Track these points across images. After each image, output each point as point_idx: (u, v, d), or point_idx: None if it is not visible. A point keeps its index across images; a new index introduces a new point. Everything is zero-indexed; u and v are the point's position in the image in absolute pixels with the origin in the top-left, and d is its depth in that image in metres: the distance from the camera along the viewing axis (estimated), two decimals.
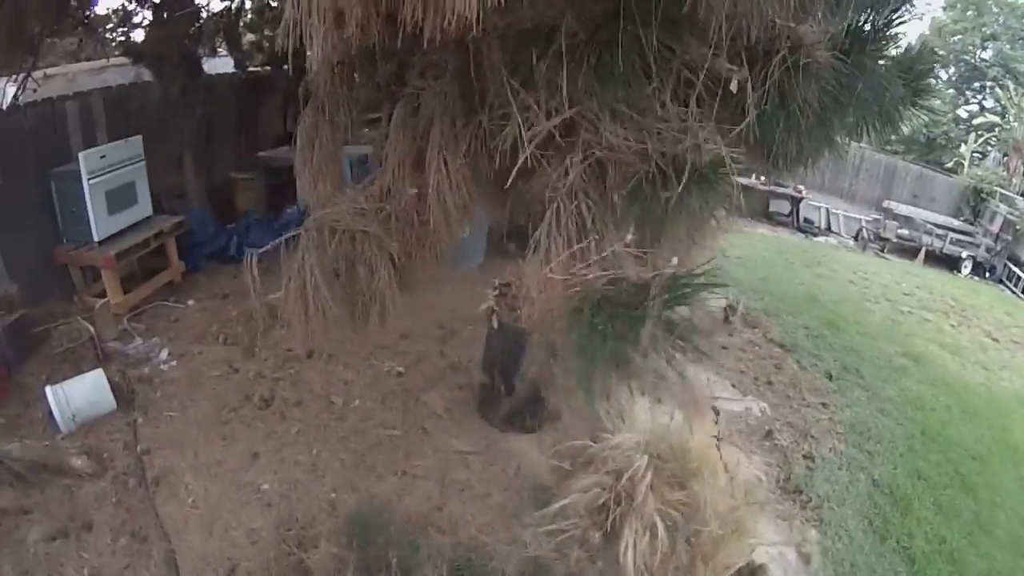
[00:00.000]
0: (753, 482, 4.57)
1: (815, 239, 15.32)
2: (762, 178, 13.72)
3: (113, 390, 4.85)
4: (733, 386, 6.12)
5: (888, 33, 2.84)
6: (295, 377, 5.31)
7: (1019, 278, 15.22)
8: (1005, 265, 15.78)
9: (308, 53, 2.58)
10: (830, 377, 6.73)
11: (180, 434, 4.74)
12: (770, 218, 15.01)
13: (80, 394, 4.69)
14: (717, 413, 5.48)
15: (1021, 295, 14.73)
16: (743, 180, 14.34)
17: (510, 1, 2.07)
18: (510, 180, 2.72)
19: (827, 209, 16.79)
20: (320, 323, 2.95)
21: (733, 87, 2.58)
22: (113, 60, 7.21)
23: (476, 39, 2.60)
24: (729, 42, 2.44)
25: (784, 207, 15.34)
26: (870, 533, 4.90)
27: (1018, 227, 15.71)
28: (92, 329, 5.51)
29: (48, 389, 4.61)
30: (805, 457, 5.39)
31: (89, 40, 7.07)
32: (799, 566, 4.40)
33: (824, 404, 6.20)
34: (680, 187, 2.44)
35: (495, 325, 4.61)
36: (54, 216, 5.95)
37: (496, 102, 2.78)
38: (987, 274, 15.77)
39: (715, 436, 4.83)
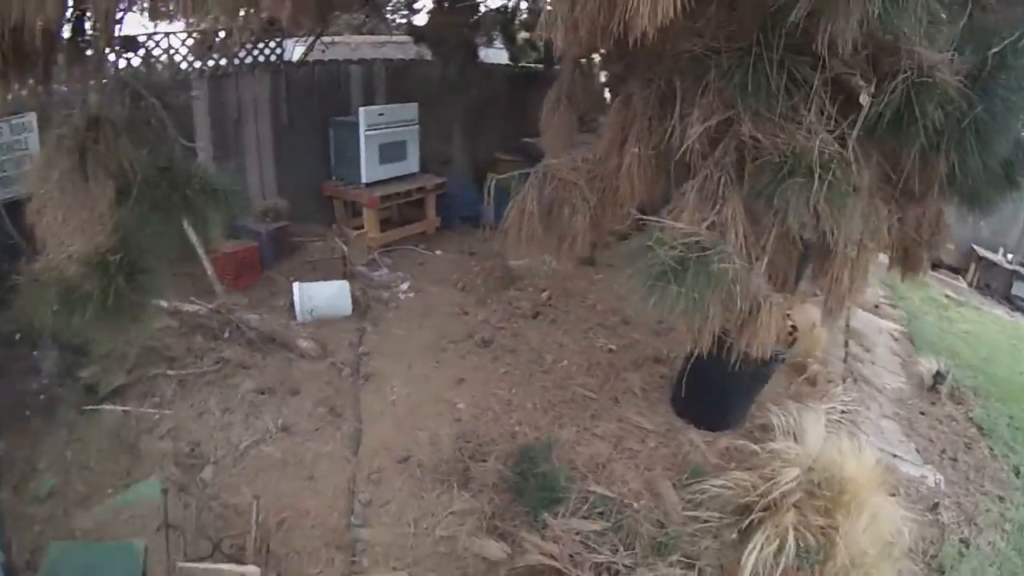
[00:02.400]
0: (899, 544, 4.02)
1: None
2: (1009, 256, 12.02)
3: (352, 302, 5.34)
4: (917, 451, 5.52)
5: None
6: (516, 330, 5.51)
7: None
8: None
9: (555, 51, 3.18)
10: (1017, 473, 5.73)
11: (400, 348, 5.10)
12: (1010, 301, 12.81)
13: (322, 295, 5.23)
14: None
15: None
16: (988, 255, 12.34)
17: (687, 31, 3.01)
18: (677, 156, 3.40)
19: None
20: (528, 241, 3.85)
21: (863, 100, 2.98)
22: (395, 37, 8.07)
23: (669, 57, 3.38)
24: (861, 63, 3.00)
25: None
26: None
27: None
28: (345, 249, 6.08)
29: (295, 284, 5.20)
30: (961, 541, 4.75)
31: (374, 17, 7.97)
32: None
33: (1001, 498, 5.36)
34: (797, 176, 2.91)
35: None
36: (327, 157, 6.77)
37: (678, 107, 3.45)
38: None
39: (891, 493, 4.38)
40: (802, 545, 3.51)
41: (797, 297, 4.27)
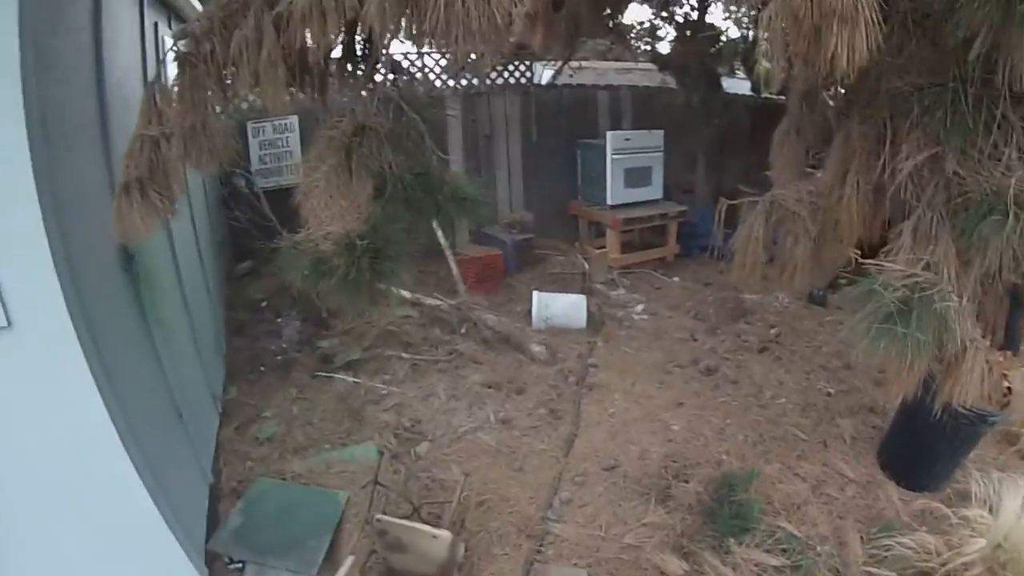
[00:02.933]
0: None
1: None
2: None
3: (587, 316, 5.55)
4: None
5: None
6: (741, 362, 5.45)
7: None
8: None
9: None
10: None
11: (626, 364, 5.21)
12: None
13: (559, 305, 5.48)
14: None
15: None
16: None
17: (895, 67, 3.05)
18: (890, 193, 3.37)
19: None
20: (752, 268, 3.94)
21: None
22: (640, 64, 8.29)
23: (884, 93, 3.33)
24: None
25: None
26: None
27: None
28: (587, 266, 6.31)
29: (535, 292, 5.50)
30: None
31: (619, 44, 8.23)
32: None
33: None
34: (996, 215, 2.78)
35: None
36: (573, 176, 7.07)
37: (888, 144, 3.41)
38: None
39: None
40: None
41: (1018, 359, 3.90)
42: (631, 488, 4.08)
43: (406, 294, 5.19)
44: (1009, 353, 3.83)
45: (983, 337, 3.61)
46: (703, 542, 3.75)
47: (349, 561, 3.13)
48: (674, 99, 7.75)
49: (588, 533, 3.79)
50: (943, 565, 3.42)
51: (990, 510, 3.69)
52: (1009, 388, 3.93)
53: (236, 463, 3.89)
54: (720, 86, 7.84)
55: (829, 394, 5.22)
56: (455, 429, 4.29)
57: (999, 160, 2.89)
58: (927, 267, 2.96)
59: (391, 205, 3.04)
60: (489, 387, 4.67)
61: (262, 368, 4.58)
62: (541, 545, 3.68)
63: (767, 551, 3.71)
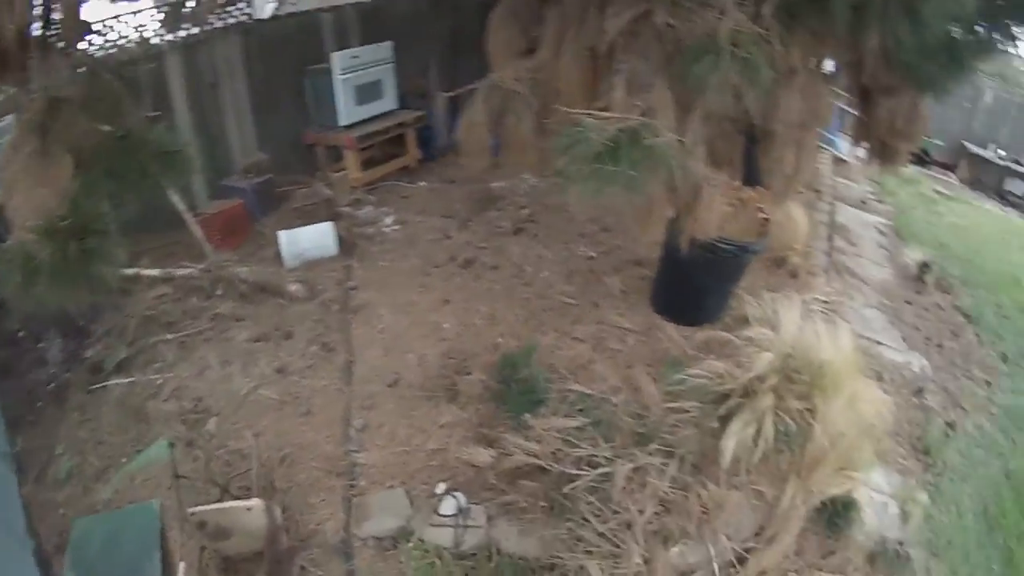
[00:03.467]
0: (881, 425, 4.16)
1: None
2: (1000, 152, 11.88)
3: (338, 241, 5.53)
4: (903, 338, 5.51)
5: None
6: (498, 248, 5.63)
7: None
8: None
9: None
10: (1005, 359, 5.76)
11: (386, 279, 5.28)
12: (1002, 196, 12.50)
13: (308, 238, 5.40)
14: None
15: None
16: (978, 151, 11.84)
17: None
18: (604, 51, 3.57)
19: None
20: (479, 152, 4.27)
21: None
22: None
23: None
24: None
25: (1019, 187, 12.62)
26: (981, 519, 4.41)
27: None
28: (329, 192, 6.26)
29: (281, 232, 5.37)
30: (947, 424, 4.84)
31: None
32: (896, 521, 4.03)
33: (988, 382, 5.43)
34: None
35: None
36: (305, 106, 6.82)
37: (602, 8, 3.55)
38: None
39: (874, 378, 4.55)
40: (780, 428, 3.65)
41: (769, 190, 4.30)
42: (419, 396, 4.24)
43: (154, 272, 4.95)
44: (759, 187, 4.22)
45: (725, 176, 3.92)
46: (501, 425, 3.97)
47: (182, 568, 3.08)
48: (402, 8, 7.62)
49: (392, 452, 3.92)
50: (740, 384, 3.78)
51: (771, 328, 4.13)
52: (766, 219, 4.36)
53: (49, 515, 3.68)
54: None
55: (591, 258, 5.54)
56: (236, 394, 4.24)
57: (712, 7, 3.02)
58: (644, 114, 3.13)
59: (90, 176, 2.83)
60: (257, 341, 4.61)
61: (39, 404, 4.27)
62: (352, 480, 3.78)
63: (565, 416, 3.95)
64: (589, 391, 4.09)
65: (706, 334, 4.57)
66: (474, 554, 3.44)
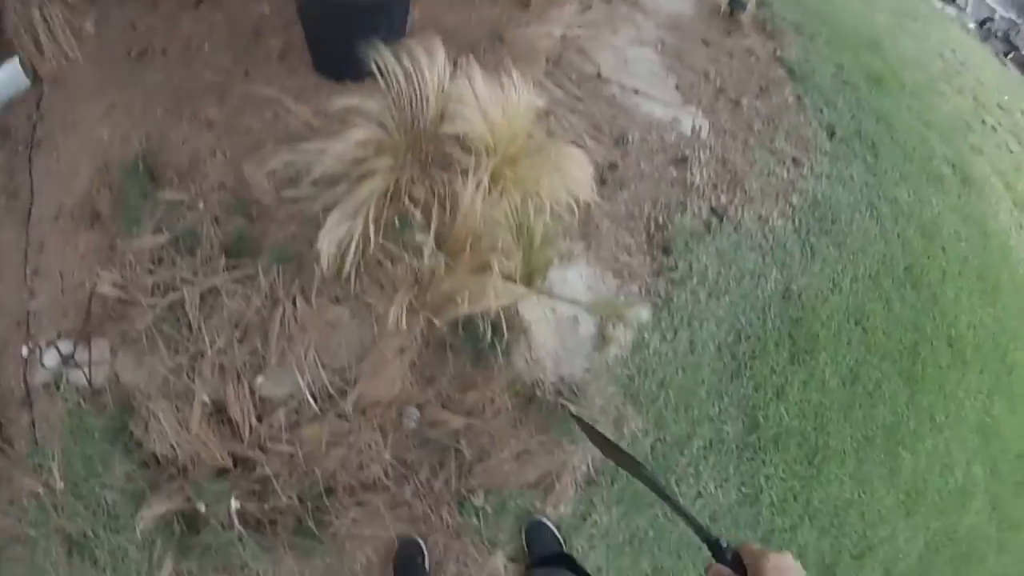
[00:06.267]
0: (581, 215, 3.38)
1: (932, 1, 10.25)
2: None
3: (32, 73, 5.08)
4: (678, 88, 4.33)
5: None
6: (172, 28, 5.09)
7: None
8: None
9: None
10: (832, 135, 4.60)
11: (70, 98, 4.96)
12: None
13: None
14: None
15: None
16: None
17: None
18: None
19: None
20: None
21: None
22: None
23: None
24: None
25: None
26: (727, 357, 3.79)
27: None
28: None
29: None
30: (713, 211, 3.85)
31: None
32: (585, 347, 3.36)
33: (797, 161, 4.33)
34: None
35: None
36: None
37: None
38: None
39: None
40: (400, 219, 3.18)
41: None
42: (71, 226, 4.24)
43: None
44: None
45: None
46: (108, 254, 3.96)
47: None
48: None
49: (51, 295, 4.04)
50: (349, 161, 3.29)
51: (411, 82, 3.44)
52: None
53: None
54: None
55: (264, 16, 4.93)
56: None
57: None
58: None
59: None
60: None
61: None
62: (29, 329, 3.95)
63: (155, 232, 3.89)
64: (177, 197, 3.99)
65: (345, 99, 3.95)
66: (105, 389, 3.58)
